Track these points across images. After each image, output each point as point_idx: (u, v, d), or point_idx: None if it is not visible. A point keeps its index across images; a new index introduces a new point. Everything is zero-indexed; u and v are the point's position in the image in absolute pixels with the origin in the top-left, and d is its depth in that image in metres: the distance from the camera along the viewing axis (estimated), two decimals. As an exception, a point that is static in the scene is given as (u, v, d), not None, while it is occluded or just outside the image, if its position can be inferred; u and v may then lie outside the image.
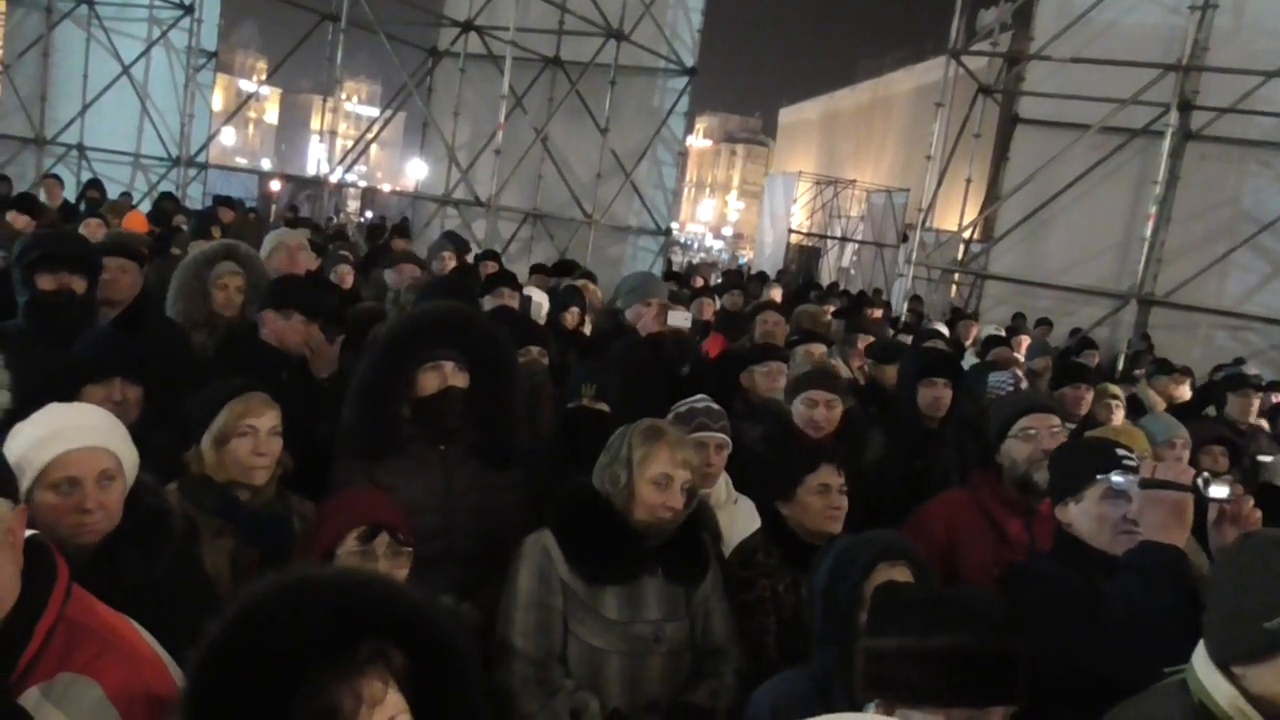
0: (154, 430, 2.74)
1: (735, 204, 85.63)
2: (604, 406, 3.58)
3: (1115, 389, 5.65)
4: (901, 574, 2.31)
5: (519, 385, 3.30)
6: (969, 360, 7.07)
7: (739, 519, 3.47)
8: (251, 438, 2.66)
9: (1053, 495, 2.76)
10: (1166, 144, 11.95)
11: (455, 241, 7.86)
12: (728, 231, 77.62)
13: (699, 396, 3.73)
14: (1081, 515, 2.63)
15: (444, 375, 3.01)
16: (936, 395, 4.53)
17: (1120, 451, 2.63)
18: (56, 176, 11.47)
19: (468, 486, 3.04)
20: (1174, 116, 11.96)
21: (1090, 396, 5.25)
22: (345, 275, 6.49)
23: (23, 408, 2.49)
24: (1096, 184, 13.06)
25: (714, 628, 2.76)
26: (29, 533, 1.60)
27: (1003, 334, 8.91)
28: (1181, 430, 4.52)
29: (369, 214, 20.63)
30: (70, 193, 12.50)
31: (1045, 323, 11.78)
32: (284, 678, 1.26)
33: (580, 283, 7.01)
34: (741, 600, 2.88)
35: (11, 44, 16.40)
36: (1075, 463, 2.71)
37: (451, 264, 7.26)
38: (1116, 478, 2.54)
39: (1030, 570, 2.72)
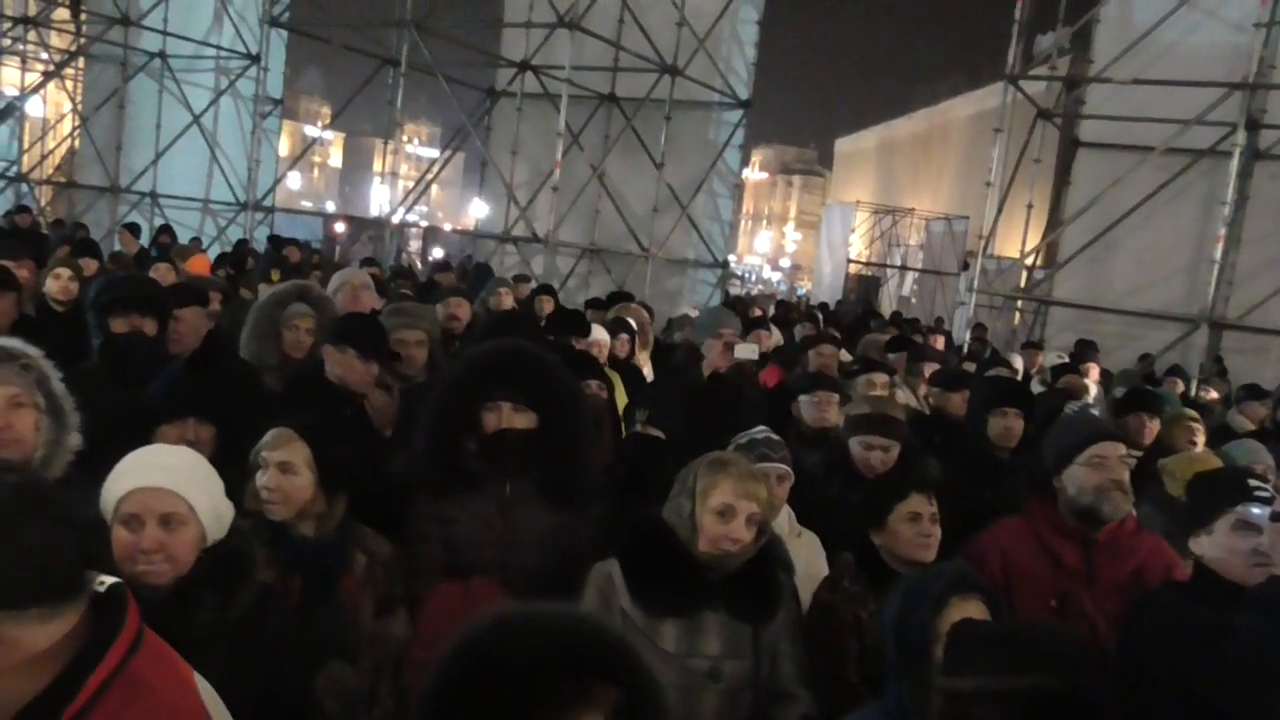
0: (225, 469, 2.78)
1: (792, 235, 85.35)
2: (658, 433, 3.59)
3: (1194, 414, 5.45)
4: (975, 608, 2.26)
5: (584, 424, 3.23)
6: (1035, 388, 6.94)
7: (802, 552, 3.43)
8: (264, 471, 2.73)
9: (1186, 526, 2.72)
10: (1235, 164, 11.65)
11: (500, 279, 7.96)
12: (785, 263, 77.38)
13: (759, 428, 3.71)
14: (1213, 546, 2.60)
15: (500, 416, 3.03)
16: (1008, 425, 4.46)
17: (1253, 482, 2.58)
18: (132, 226, 11.85)
19: (528, 525, 3.03)
20: (1241, 136, 11.67)
21: (1155, 426, 5.09)
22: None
23: (95, 449, 2.56)
24: (1162, 206, 12.77)
25: (782, 669, 2.68)
26: (110, 580, 1.58)
27: (1067, 361, 8.70)
28: (1264, 455, 4.39)
29: (430, 253, 20.88)
30: (143, 238, 12.89)
31: (1090, 345, 11.30)
32: (512, 715, 1.30)
33: (620, 305, 7.00)
34: (824, 624, 2.85)
35: (89, 97, 17.04)
36: (1208, 493, 2.68)
37: (509, 301, 7.33)
38: (1252, 509, 2.49)
39: (1156, 600, 2.67)
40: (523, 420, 3.04)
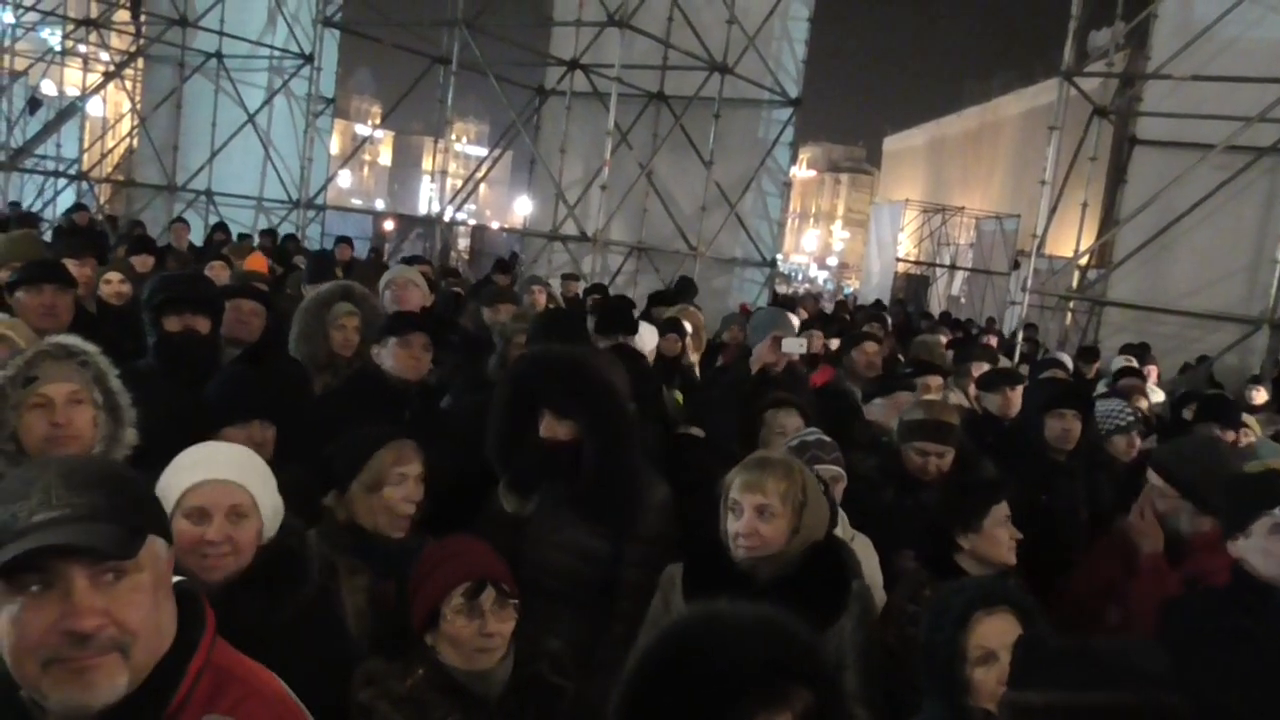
0: (281, 469, 2.80)
1: (840, 233, 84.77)
2: (698, 431, 3.59)
3: (1249, 419, 5.45)
4: (1003, 622, 2.20)
5: (626, 442, 3.07)
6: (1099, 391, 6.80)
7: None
8: (403, 485, 2.70)
9: (1224, 530, 2.67)
10: (1299, 162, 11.39)
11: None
12: (832, 261, 76.89)
13: (809, 429, 3.67)
14: (1251, 550, 2.54)
15: (543, 424, 3.03)
16: (1066, 427, 4.37)
17: None
18: (183, 220, 12.04)
19: (553, 534, 3.04)
20: (1305, 133, 11.40)
21: (1230, 438, 4.98)
22: (461, 299, 6.78)
23: (153, 446, 2.58)
24: (1221, 205, 12.50)
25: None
26: (176, 579, 1.60)
27: (1134, 364, 8.51)
28: None
29: (478, 251, 21.03)
30: (198, 235, 13.10)
31: (1144, 348, 11.02)
32: (713, 709, 1.34)
33: (678, 308, 6.97)
34: (905, 633, 2.78)
35: (147, 97, 17.40)
36: (1245, 496, 2.62)
37: (542, 299, 7.31)
38: None
39: (1187, 604, 2.62)
40: (564, 430, 3.01)
